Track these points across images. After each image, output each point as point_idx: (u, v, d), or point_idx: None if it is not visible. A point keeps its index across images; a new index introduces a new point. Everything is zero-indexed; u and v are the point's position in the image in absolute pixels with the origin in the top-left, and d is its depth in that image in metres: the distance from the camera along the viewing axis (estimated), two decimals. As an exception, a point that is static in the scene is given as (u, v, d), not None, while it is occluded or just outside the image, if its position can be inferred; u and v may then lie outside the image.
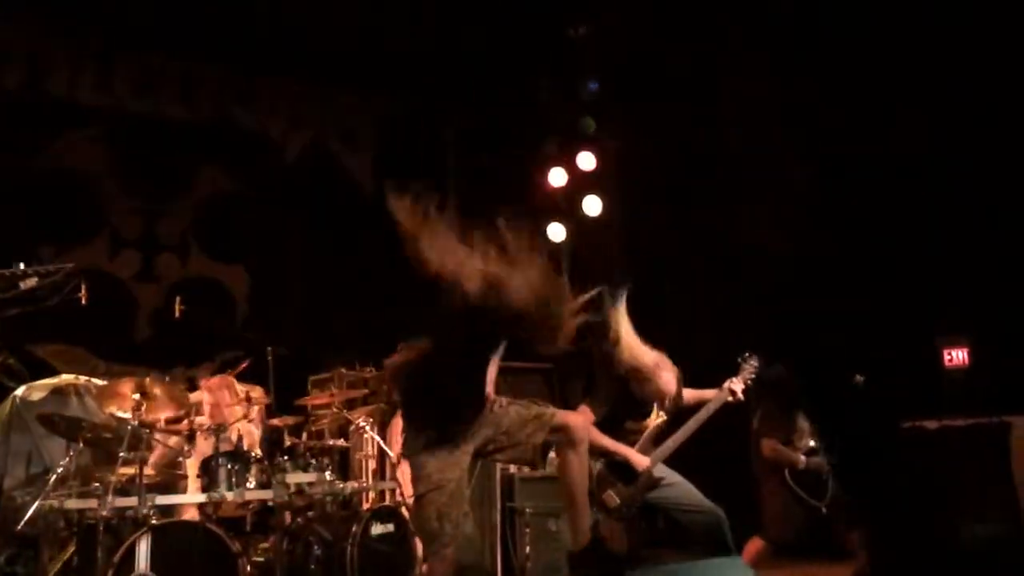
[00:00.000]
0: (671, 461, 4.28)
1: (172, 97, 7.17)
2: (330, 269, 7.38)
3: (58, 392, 5.08)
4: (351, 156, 8.01)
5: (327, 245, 7.44)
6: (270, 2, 6.44)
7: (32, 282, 2.47)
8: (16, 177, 6.30)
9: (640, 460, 4.09)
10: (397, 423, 5.93)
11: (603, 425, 4.12)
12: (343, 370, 6.03)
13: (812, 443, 4.62)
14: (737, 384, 4.25)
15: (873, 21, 5.63)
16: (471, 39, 6.78)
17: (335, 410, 5.41)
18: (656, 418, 4.19)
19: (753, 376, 4.32)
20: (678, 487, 4.22)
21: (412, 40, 6.83)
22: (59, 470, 4.53)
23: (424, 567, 3.34)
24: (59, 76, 6.68)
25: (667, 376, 4.07)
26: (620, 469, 4.11)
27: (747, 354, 4.33)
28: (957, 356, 5.37)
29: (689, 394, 4.27)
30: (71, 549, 4.37)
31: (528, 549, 5.43)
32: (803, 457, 4.58)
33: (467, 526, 3.28)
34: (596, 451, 4.11)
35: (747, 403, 4.32)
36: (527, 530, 5.53)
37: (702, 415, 4.20)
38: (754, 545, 4.54)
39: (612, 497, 4.10)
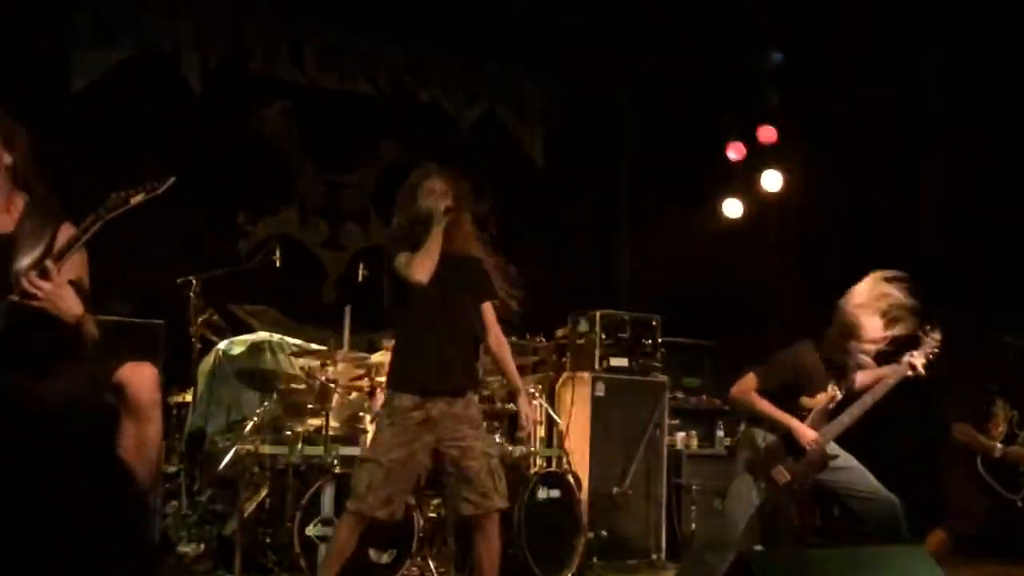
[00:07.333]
0: (847, 446, 4.13)
1: (356, 72, 7.49)
2: (502, 240, 7.51)
3: (255, 347, 5.48)
4: (523, 128, 8.11)
5: (499, 215, 7.57)
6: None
7: (140, 197, 2.68)
8: (219, 149, 6.77)
9: (806, 433, 3.95)
10: (565, 391, 6.02)
11: (775, 398, 4.04)
12: (513, 338, 6.15)
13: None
14: (917, 358, 4.00)
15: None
16: (646, 9, 6.68)
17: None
18: (831, 393, 4.05)
19: (935, 350, 4.05)
20: (852, 471, 4.07)
21: (585, 11, 6.80)
22: (255, 419, 4.91)
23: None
24: (257, 54, 7.11)
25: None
26: (791, 443, 4.01)
27: (928, 326, 4.05)
28: None
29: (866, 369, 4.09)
30: (264, 491, 4.73)
31: (694, 526, 5.40)
32: (999, 445, 4.29)
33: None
34: (763, 422, 4.04)
35: (933, 382, 4.06)
36: (693, 507, 5.50)
37: (879, 391, 3.99)
38: (937, 536, 4.32)
39: (782, 472, 3.99)
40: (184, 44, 6.76)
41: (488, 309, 3.73)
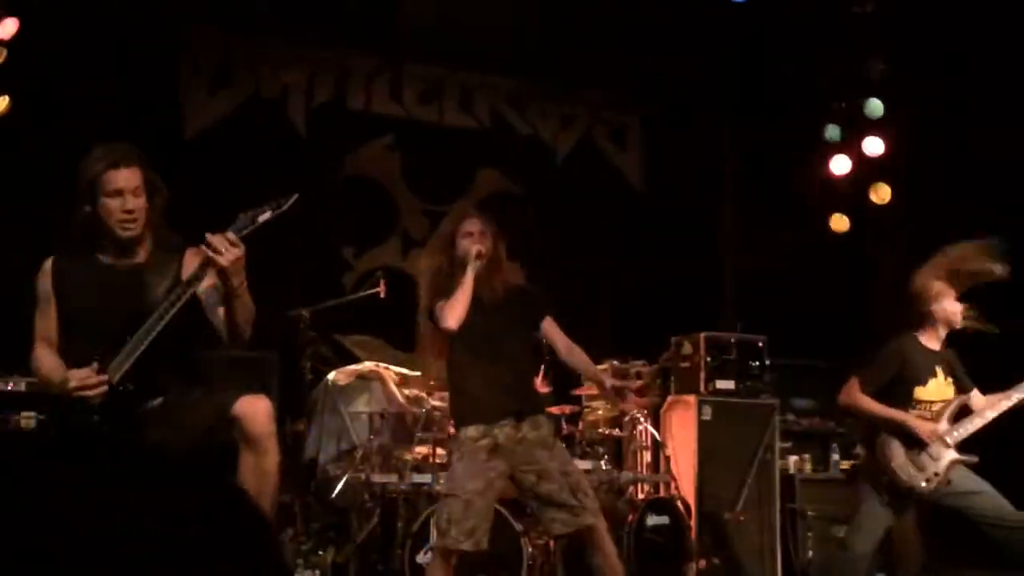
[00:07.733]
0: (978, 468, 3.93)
1: (453, 105, 7.63)
2: (603, 265, 7.50)
3: (363, 378, 5.60)
4: (620, 154, 8.09)
5: (598, 242, 7.56)
6: (540, 11, 6.66)
7: (267, 215, 2.84)
8: (324, 185, 6.99)
9: (923, 426, 3.78)
10: (670, 416, 5.92)
11: (887, 396, 3.88)
12: (615, 363, 6.11)
13: None
14: None
15: None
16: (746, 21, 6.57)
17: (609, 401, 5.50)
18: (949, 389, 3.90)
19: None
20: (985, 497, 3.88)
21: (682, 27, 6.73)
22: (364, 448, 5.02)
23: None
24: (357, 91, 7.33)
25: None
26: (910, 442, 3.84)
27: None
28: None
29: None
30: (375, 519, 4.82)
31: (811, 553, 5.21)
32: None
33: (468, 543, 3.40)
34: (875, 423, 3.90)
35: None
36: (809, 533, 5.31)
37: (1015, 396, 3.83)
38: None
39: (910, 475, 3.82)
40: (293, 88, 7.03)
41: (551, 324, 3.73)
